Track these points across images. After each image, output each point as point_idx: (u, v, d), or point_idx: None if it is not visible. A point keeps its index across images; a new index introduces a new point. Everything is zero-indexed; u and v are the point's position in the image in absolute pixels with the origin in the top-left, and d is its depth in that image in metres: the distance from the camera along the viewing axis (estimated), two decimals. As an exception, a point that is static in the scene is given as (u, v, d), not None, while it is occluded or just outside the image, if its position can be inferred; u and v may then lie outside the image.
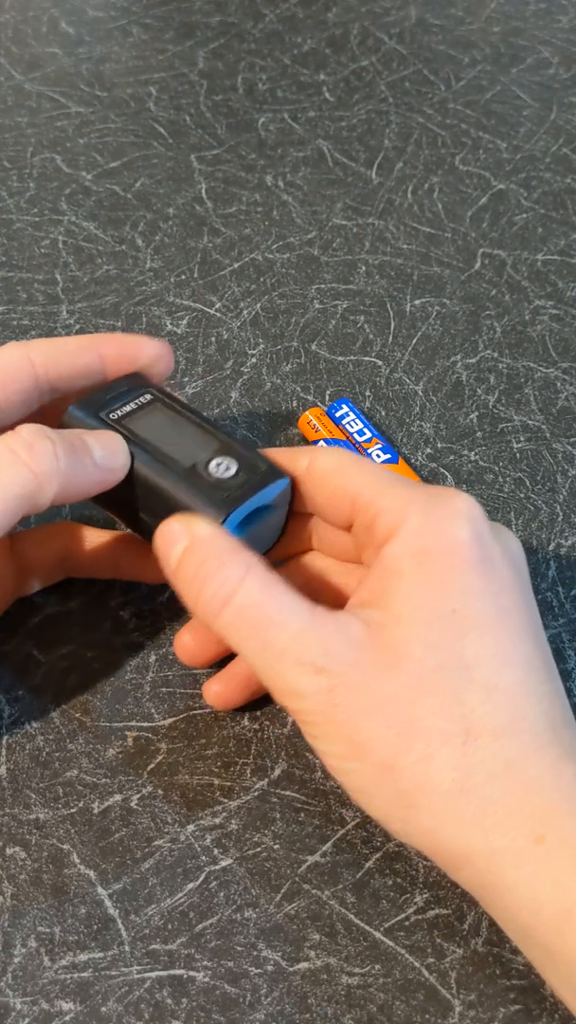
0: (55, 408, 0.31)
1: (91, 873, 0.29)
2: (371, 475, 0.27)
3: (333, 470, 0.28)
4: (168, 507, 0.28)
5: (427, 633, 0.24)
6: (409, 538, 0.26)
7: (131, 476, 0.28)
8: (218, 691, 0.31)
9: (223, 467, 0.28)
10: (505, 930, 0.25)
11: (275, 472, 0.28)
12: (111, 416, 0.29)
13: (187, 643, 0.31)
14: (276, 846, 0.29)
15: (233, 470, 0.28)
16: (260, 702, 0.32)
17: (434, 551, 0.25)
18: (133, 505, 0.29)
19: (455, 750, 0.24)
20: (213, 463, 0.28)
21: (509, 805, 0.23)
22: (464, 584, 0.25)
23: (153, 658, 0.33)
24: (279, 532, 0.31)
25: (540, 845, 0.23)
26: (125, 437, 0.29)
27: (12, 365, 0.29)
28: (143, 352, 0.31)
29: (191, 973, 0.27)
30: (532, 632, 0.26)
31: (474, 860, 0.24)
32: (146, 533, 0.28)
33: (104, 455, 0.27)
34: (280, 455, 0.29)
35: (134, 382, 0.31)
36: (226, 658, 0.32)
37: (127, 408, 0.30)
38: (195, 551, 0.26)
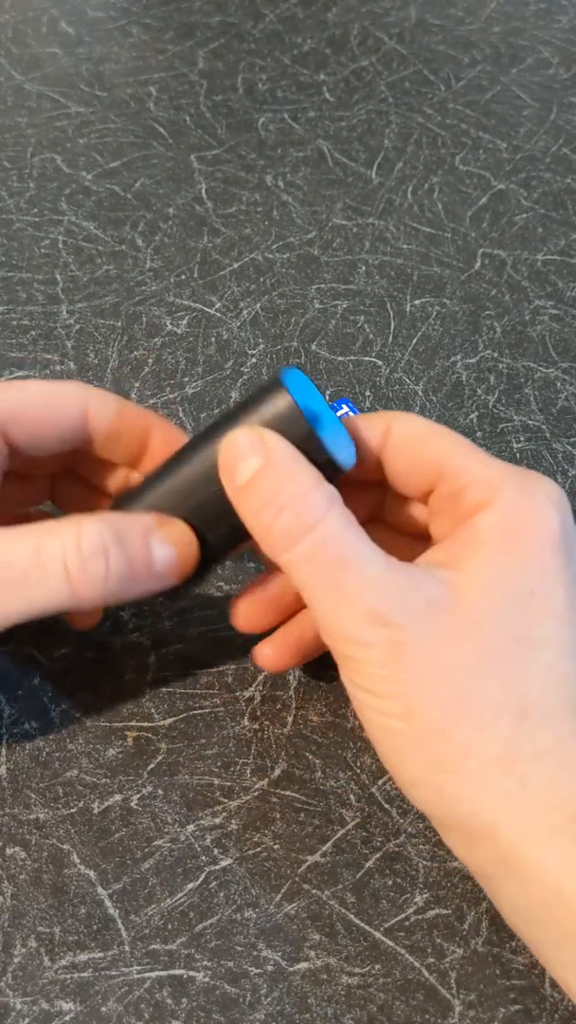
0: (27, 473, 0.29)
1: (91, 873, 0.29)
2: (460, 444, 0.26)
3: (417, 436, 0.27)
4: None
5: (505, 608, 0.24)
6: (501, 512, 0.25)
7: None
8: (270, 654, 0.30)
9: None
10: (511, 915, 0.25)
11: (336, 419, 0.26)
12: None
13: (244, 610, 0.30)
14: (276, 846, 0.29)
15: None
16: (261, 702, 0.32)
17: (524, 530, 0.25)
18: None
19: (509, 724, 0.24)
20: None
21: (551, 781, 0.23)
22: (547, 568, 0.25)
23: (153, 658, 0.33)
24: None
25: (574, 824, 0.23)
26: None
27: None
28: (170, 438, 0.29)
29: (191, 973, 0.27)
30: None
31: (500, 834, 0.24)
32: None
33: (166, 559, 0.25)
34: (351, 422, 0.27)
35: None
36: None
37: None
38: (273, 471, 0.24)
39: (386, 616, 0.24)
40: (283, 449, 0.24)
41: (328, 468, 0.25)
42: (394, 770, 0.25)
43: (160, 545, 0.25)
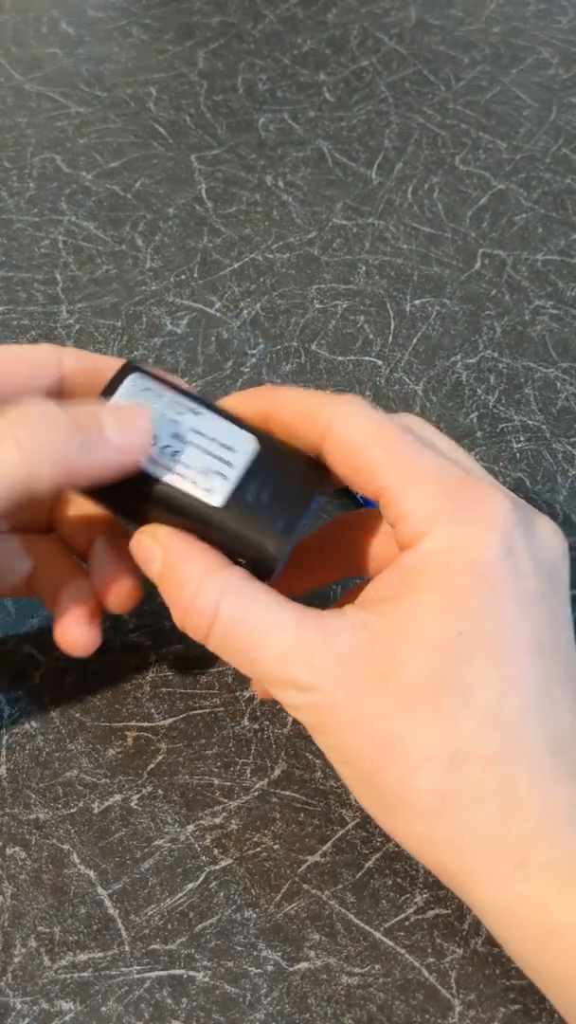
0: None
1: (91, 873, 0.29)
2: (399, 457, 0.25)
3: (353, 444, 0.25)
4: (209, 537, 0.25)
5: (427, 654, 0.23)
6: (430, 552, 0.24)
7: (154, 488, 0.25)
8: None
9: (262, 487, 0.25)
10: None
11: (313, 472, 0.26)
12: None
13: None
14: (276, 846, 0.29)
15: (272, 487, 0.25)
16: (261, 702, 0.32)
17: (454, 570, 0.24)
18: (157, 517, 0.26)
19: (436, 773, 0.23)
20: (253, 484, 0.25)
21: (489, 830, 0.23)
22: (480, 607, 0.24)
23: (153, 658, 0.33)
24: (309, 517, 0.28)
25: (521, 870, 0.22)
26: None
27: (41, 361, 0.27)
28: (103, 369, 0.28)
29: (191, 973, 0.27)
30: (554, 649, 0.24)
31: (452, 877, 0.24)
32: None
33: (118, 429, 0.24)
34: (298, 408, 0.26)
35: (131, 372, 0.27)
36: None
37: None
38: (169, 576, 0.25)
39: (298, 682, 0.24)
40: (175, 546, 0.25)
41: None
42: (359, 803, 0.26)
43: (107, 412, 0.25)
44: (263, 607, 0.24)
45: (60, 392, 0.28)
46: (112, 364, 0.28)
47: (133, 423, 0.25)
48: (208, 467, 0.25)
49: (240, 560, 0.26)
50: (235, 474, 0.25)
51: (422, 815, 0.23)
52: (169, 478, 0.25)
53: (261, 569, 0.25)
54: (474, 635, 0.23)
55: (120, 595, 0.28)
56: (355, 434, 0.25)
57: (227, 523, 0.25)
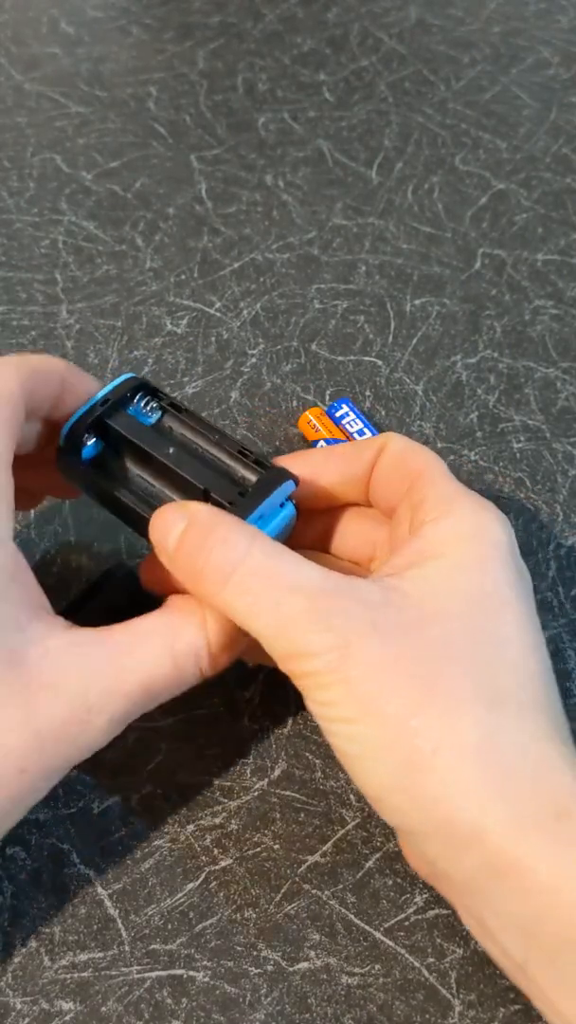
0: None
1: (91, 873, 0.29)
2: (433, 459, 0.29)
3: (405, 449, 0.29)
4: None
5: (463, 604, 0.24)
6: (455, 523, 0.26)
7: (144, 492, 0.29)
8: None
9: (233, 491, 0.28)
10: (500, 932, 0.24)
11: (280, 476, 0.28)
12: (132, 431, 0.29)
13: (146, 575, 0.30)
14: (276, 846, 0.29)
15: (237, 490, 0.28)
16: (260, 702, 0.32)
17: (477, 539, 0.26)
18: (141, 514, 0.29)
19: (481, 710, 0.23)
20: (224, 485, 0.28)
21: (533, 776, 0.23)
22: (500, 575, 0.25)
23: (153, 658, 0.33)
24: (291, 523, 0.30)
25: (562, 822, 0.22)
26: (143, 451, 0.29)
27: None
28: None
29: (191, 973, 0.27)
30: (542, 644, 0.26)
31: (487, 834, 0.22)
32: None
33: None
34: (348, 451, 0.30)
35: (132, 387, 0.30)
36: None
37: (144, 420, 0.30)
38: (196, 528, 0.25)
39: (328, 621, 0.23)
40: (204, 509, 0.26)
41: None
42: (363, 783, 0.24)
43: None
44: (292, 558, 0.25)
45: (60, 402, 0.29)
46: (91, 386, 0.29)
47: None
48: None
49: None
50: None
51: (471, 753, 0.22)
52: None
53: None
54: (499, 596, 0.25)
55: None
56: (407, 442, 0.29)
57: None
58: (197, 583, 0.25)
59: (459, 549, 0.26)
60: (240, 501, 0.27)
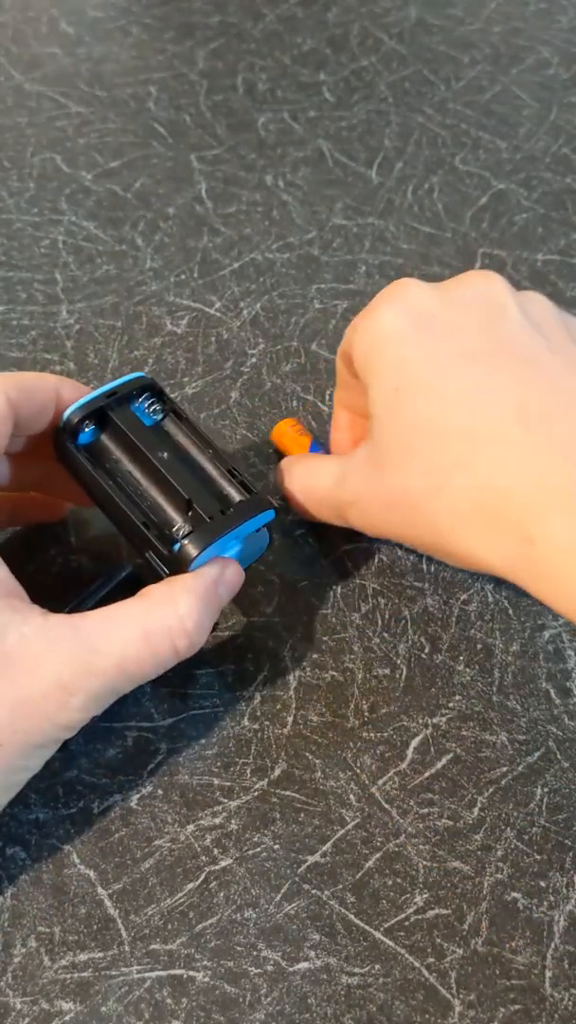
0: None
1: (91, 873, 0.29)
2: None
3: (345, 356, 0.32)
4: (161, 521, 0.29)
5: (386, 420, 0.29)
6: (356, 348, 0.30)
7: (134, 494, 0.30)
8: None
9: (212, 505, 0.29)
10: (553, 596, 0.26)
11: (261, 504, 0.29)
12: (134, 430, 0.30)
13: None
14: (276, 846, 0.29)
15: (219, 506, 0.29)
16: (260, 702, 0.32)
17: (369, 350, 0.29)
18: (130, 514, 0.29)
19: (511, 410, 0.26)
20: (208, 499, 0.29)
21: (570, 442, 0.25)
22: (395, 362, 0.28)
23: (153, 658, 0.33)
24: (263, 550, 0.33)
25: None
26: (138, 451, 0.30)
27: None
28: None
29: (191, 973, 0.27)
30: (495, 364, 0.28)
31: (544, 495, 0.25)
32: (138, 546, 0.29)
33: (227, 593, 0.29)
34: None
35: (140, 386, 0.31)
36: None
37: (146, 420, 0.31)
38: (278, 473, 0.35)
39: (344, 503, 0.32)
40: (295, 465, 0.35)
41: None
42: (409, 526, 0.30)
43: (224, 587, 0.29)
44: (323, 463, 0.34)
45: (54, 416, 0.31)
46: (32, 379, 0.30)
47: (236, 585, 0.30)
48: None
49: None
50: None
51: (515, 416, 0.26)
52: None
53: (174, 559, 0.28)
54: (406, 383, 0.28)
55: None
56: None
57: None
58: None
59: (368, 374, 0.29)
60: (220, 518, 0.28)
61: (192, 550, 0.28)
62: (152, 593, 0.28)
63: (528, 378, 0.27)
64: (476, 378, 0.27)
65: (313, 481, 0.33)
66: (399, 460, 0.29)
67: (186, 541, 0.28)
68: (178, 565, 0.28)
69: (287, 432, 0.38)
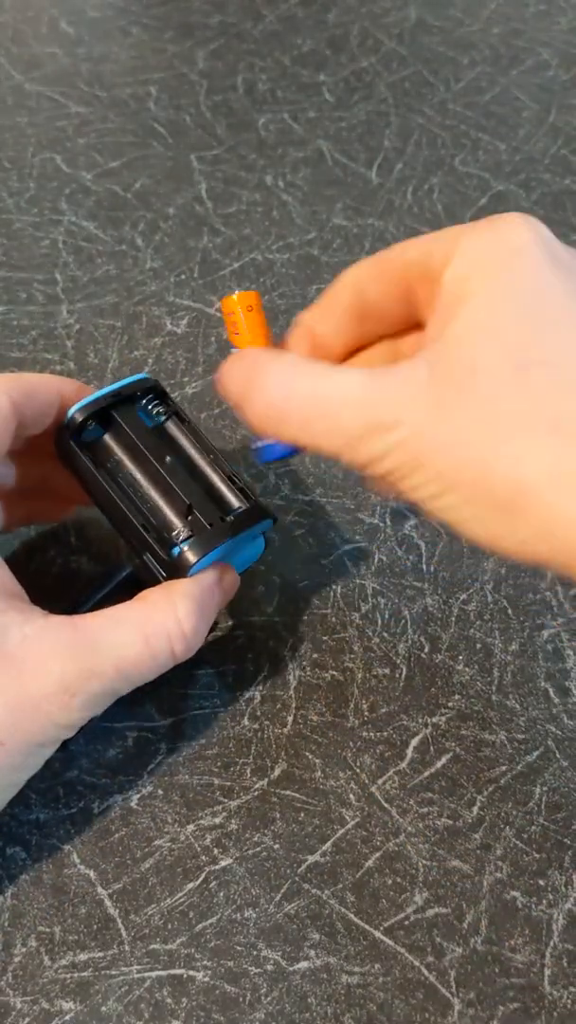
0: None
1: (91, 873, 0.29)
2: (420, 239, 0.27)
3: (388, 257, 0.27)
4: (162, 527, 0.29)
5: (496, 342, 0.23)
6: (469, 250, 0.24)
7: (134, 493, 0.30)
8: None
9: (212, 511, 0.29)
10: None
11: (261, 512, 0.30)
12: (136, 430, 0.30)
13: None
14: (276, 846, 0.29)
15: (219, 513, 0.29)
16: (260, 702, 0.32)
17: (498, 257, 0.24)
18: (129, 515, 0.30)
19: (557, 440, 0.22)
20: (208, 505, 0.29)
21: None
22: (534, 284, 0.24)
23: (153, 658, 0.33)
24: (259, 555, 0.33)
25: None
26: (138, 452, 0.30)
27: None
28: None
29: (191, 973, 0.27)
30: None
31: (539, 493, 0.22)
32: (136, 547, 0.30)
33: (223, 599, 0.29)
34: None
35: (144, 388, 0.31)
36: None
37: (147, 423, 0.31)
38: (233, 371, 0.27)
39: (384, 423, 0.24)
40: (247, 352, 0.28)
41: None
42: (478, 541, 0.24)
43: (221, 593, 0.29)
44: (332, 370, 0.25)
45: (55, 416, 0.30)
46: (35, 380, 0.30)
47: (234, 587, 0.30)
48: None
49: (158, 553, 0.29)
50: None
51: (559, 481, 0.22)
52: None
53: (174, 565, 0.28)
54: (539, 310, 0.23)
55: None
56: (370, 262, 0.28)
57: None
58: (256, 424, 0.26)
59: (483, 277, 0.24)
60: (219, 525, 0.29)
61: (191, 557, 0.28)
62: (151, 597, 0.28)
63: None
64: None
65: (325, 389, 0.25)
66: (502, 396, 0.23)
67: (185, 547, 0.28)
68: (176, 570, 0.28)
69: (252, 314, 0.29)
